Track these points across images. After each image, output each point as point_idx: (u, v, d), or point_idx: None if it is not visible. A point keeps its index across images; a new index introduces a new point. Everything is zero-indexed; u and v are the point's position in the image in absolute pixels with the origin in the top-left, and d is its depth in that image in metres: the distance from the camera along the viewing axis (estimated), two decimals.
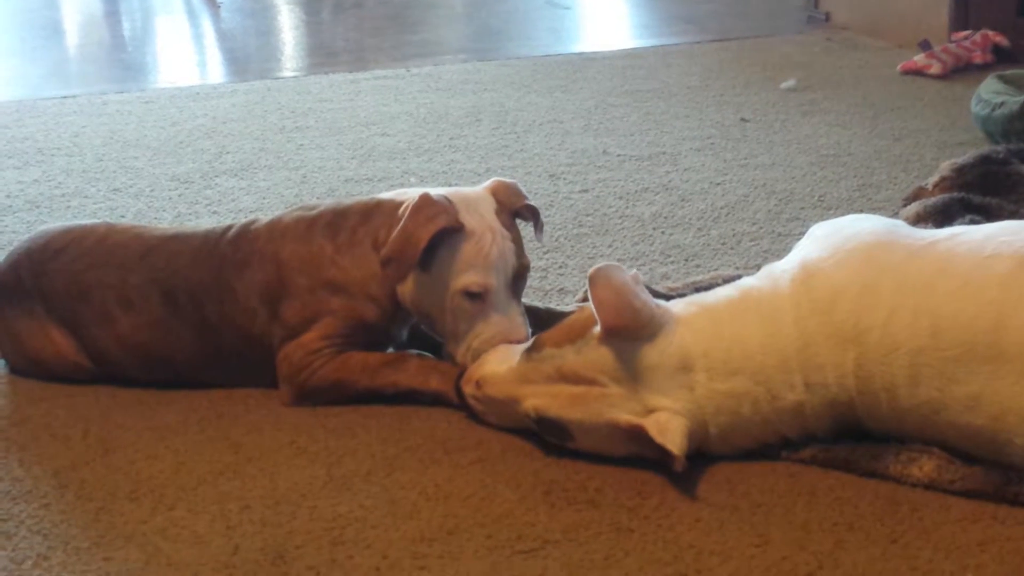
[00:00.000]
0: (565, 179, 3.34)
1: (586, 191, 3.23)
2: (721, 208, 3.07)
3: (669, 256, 2.76)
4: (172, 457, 2.00)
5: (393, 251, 2.05)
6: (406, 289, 2.11)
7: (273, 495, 1.88)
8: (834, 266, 1.90)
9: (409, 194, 2.13)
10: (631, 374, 1.85)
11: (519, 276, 2.12)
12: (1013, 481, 1.77)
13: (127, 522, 1.82)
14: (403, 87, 4.45)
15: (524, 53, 5.02)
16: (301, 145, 3.75)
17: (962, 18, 4.56)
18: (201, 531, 1.80)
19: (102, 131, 3.95)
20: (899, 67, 4.40)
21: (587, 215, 3.05)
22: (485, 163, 3.50)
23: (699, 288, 2.26)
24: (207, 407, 2.16)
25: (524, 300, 2.16)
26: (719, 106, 4.03)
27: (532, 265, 2.19)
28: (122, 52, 5.62)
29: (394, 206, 2.12)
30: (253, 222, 2.24)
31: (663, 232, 2.91)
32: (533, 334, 2.05)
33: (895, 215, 2.66)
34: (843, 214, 2.43)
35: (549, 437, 1.94)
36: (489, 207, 2.11)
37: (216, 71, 5.27)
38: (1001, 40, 4.42)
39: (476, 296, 2.07)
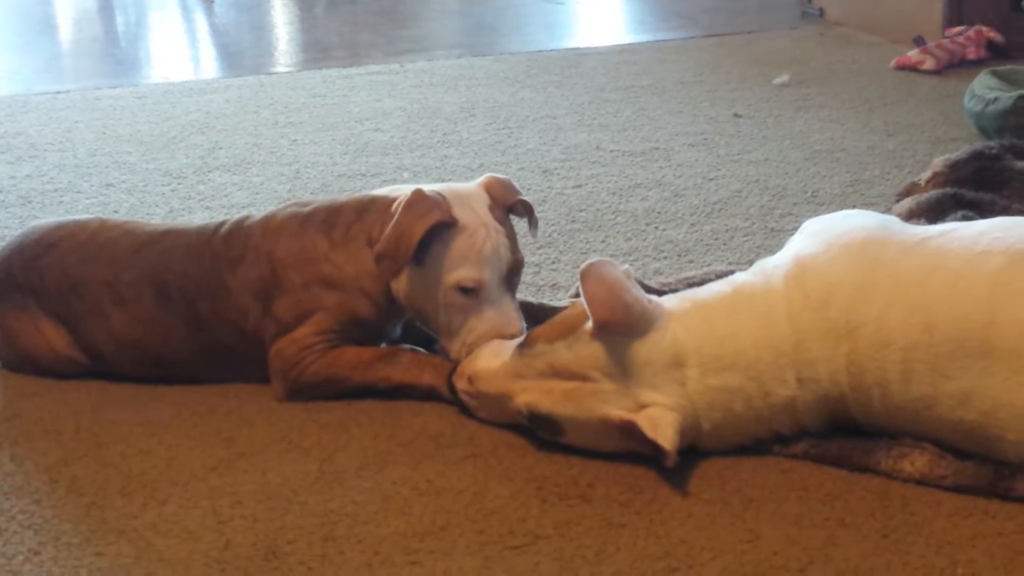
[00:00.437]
0: (558, 175, 3.34)
1: (579, 187, 3.23)
2: (714, 204, 3.07)
3: (662, 251, 2.76)
4: (164, 452, 2.00)
5: (387, 247, 2.05)
6: (400, 285, 2.11)
7: (265, 490, 1.88)
8: (827, 262, 1.90)
9: (403, 191, 2.13)
10: (623, 370, 1.85)
11: (513, 271, 2.12)
12: (1004, 476, 1.78)
13: (118, 517, 1.82)
14: (396, 83, 4.45)
15: (518, 49, 5.02)
16: (294, 141, 3.75)
17: (956, 14, 4.56)
18: (192, 526, 1.79)
19: (95, 126, 3.94)
20: (893, 63, 4.40)
21: (580, 211, 3.05)
22: (478, 159, 3.50)
23: (692, 284, 2.26)
24: (199, 402, 2.16)
25: (517, 296, 2.16)
26: (712, 102, 4.03)
27: (525, 261, 2.19)
28: (115, 47, 5.62)
29: (388, 202, 2.12)
30: (247, 218, 2.24)
31: (656, 228, 2.91)
32: (526, 330, 2.05)
33: (888, 211, 2.65)
34: (836, 210, 2.43)
35: (541, 433, 1.94)
36: (482, 202, 2.11)
37: (209, 66, 5.27)
38: (995, 36, 4.42)
39: (470, 291, 2.06)
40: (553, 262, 2.72)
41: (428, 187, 2.11)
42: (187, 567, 1.70)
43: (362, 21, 5.83)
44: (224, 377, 2.22)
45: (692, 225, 2.92)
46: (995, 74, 3.55)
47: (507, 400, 1.94)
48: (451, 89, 4.32)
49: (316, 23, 6.08)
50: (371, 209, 2.14)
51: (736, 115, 3.86)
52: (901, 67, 4.36)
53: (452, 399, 2.06)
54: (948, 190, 2.72)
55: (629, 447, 1.87)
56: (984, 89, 3.45)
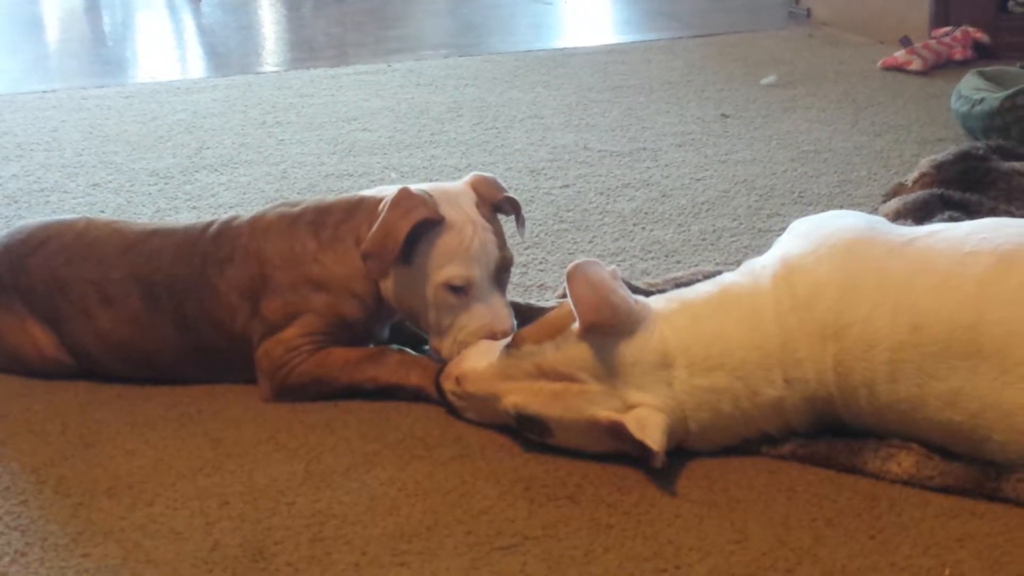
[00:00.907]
0: (546, 175, 3.34)
1: (567, 187, 3.24)
2: (701, 204, 3.07)
3: (649, 252, 2.76)
4: (151, 453, 2.00)
5: (373, 245, 2.05)
6: (388, 285, 2.11)
7: (252, 491, 1.88)
8: (814, 262, 1.90)
9: (391, 191, 2.13)
10: (610, 370, 1.85)
11: (502, 268, 2.12)
12: (991, 477, 1.78)
13: (106, 518, 1.82)
14: (384, 82, 4.45)
15: (505, 48, 5.02)
16: (282, 140, 3.74)
17: (943, 14, 4.57)
18: (180, 527, 1.79)
19: (82, 126, 3.94)
20: (880, 63, 4.41)
21: (567, 211, 3.05)
22: (466, 158, 3.50)
23: (679, 284, 2.26)
24: (187, 403, 2.15)
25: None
26: (700, 102, 4.04)
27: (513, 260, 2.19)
28: (102, 47, 5.61)
29: (376, 202, 2.12)
30: (235, 218, 2.23)
31: (643, 228, 2.92)
32: (515, 329, 2.04)
33: (875, 211, 2.66)
34: (823, 210, 2.44)
35: (529, 433, 1.94)
36: (469, 200, 2.11)
37: (196, 66, 5.26)
38: (981, 36, 4.43)
39: (459, 289, 2.06)
40: (540, 262, 2.72)
41: (415, 186, 2.11)
42: (175, 568, 1.70)
43: (350, 21, 5.83)
44: (211, 378, 2.21)
45: (680, 225, 2.93)
46: (982, 75, 3.56)
47: (495, 401, 1.94)
48: (439, 89, 4.32)
49: (303, 23, 6.08)
50: (359, 209, 2.14)
51: (724, 115, 3.87)
52: (888, 68, 4.37)
53: (440, 400, 2.06)
54: (935, 191, 2.73)
55: (617, 448, 1.87)
56: (971, 90, 3.46)
